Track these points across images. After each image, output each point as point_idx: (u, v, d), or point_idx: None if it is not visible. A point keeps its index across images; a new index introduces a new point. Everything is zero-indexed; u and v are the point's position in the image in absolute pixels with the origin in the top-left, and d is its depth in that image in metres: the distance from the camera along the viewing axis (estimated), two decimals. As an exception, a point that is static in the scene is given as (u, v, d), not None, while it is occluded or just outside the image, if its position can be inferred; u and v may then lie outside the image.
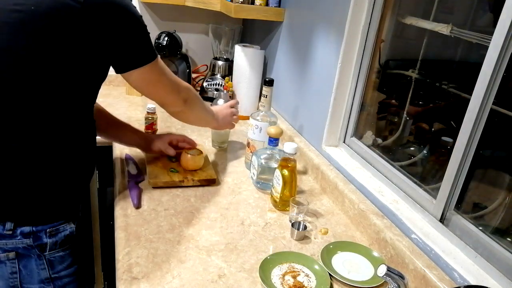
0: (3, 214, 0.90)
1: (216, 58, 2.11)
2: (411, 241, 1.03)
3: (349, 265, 1.03)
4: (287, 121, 1.75)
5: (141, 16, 0.94)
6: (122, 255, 0.98)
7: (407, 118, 1.28)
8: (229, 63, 2.07)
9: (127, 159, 1.39)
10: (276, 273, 0.97)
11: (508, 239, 0.91)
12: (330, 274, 0.98)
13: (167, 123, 1.77)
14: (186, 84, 1.16)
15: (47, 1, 0.81)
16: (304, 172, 1.50)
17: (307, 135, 1.59)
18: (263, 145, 1.43)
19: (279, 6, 1.79)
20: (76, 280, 1.06)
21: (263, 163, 1.31)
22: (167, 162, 1.37)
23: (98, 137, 1.54)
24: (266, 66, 1.99)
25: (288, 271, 0.98)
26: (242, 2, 1.76)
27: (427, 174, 1.18)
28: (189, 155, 1.32)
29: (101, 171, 1.66)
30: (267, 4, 1.78)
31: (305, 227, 1.14)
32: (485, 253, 0.90)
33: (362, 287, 0.96)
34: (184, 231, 1.09)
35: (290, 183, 1.21)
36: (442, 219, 1.02)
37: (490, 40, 0.88)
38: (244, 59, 1.86)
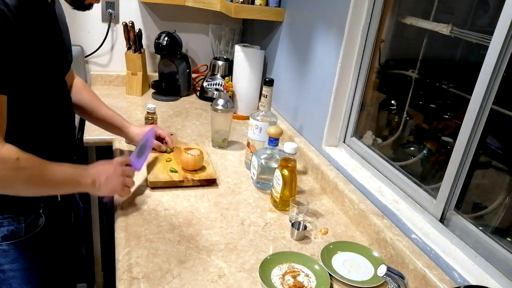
0: None
1: (216, 58, 2.11)
2: (411, 241, 1.03)
3: (349, 265, 1.03)
4: (287, 121, 1.75)
5: None
6: (122, 255, 0.98)
7: (407, 118, 1.28)
8: (229, 63, 2.07)
9: (146, 138, 1.36)
10: (276, 273, 0.97)
11: (508, 239, 0.91)
12: (330, 274, 0.98)
13: (167, 123, 1.77)
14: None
15: None
16: (304, 172, 1.50)
17: (307, 135, 1.59)
18: (263, 145, 1.43)
19: (279, 6, 1.79)
20: (24, 276, 1.05)
21: (263, 163, 1.31)
22: (167, 162, 1.37)
23: (98, 137, 1.56)
24: (266, 66, 1.99)
25: (288, 271, 0.98)
26: (242, 2, 1.76)
27: (427, 174, 1.18)
28: (189, 155, 1.32)
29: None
30: (267, 4, 1.78)
31: (305, 227, 1.14)
32: (485, 253, 0.90)
33: (362, 287, 0.96)
34: (184, 231, 1.09)
35: (290, 183, 1.21)
36: (442, 219, 1.02)
37: (490, 40, 0.88)
38: (244, 59, 1.86)
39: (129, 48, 2.01)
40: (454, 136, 0.97)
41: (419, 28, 1.17)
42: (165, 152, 1.44)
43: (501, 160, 0.98)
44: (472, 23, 1.05)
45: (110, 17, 2.04)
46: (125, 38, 1.97)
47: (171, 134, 1.50)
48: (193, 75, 2.23)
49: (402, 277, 0.86)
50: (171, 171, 1.32)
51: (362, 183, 1.24)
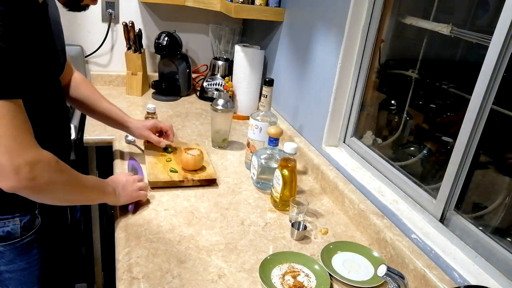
0: None
1: (216, 58, 2.11)
2: (411, 241, 1.03)
3: (349, 265, 1.03)
4: (287, 121, 1.75)
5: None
6: (122, 255, 0.98)
7: (407, 118, 1.28)
8: (229, 63, 2.07)
9: (130, 163, 1.38)
10: (276, 273, 0.97)
11: (508, 239, 0.90)
12: (330, 274, 0.98)
13: (167, 123, 1.77)
14: (41, 155, 0.84)
15: None
16: (304, 172, 1.50)
17: (307, 135, 1.59)
18: (263, 145, 1.43)
19: (279, 6, 1.79)
20: (21, 277, 1.05)
21: (263, 163, 1.31)
22: (167, 162, 1.37)
23: (98, 137, 1.56)
24: (266, 66, 1.99)
25: (288, 271, 0.98)
26: (242, 2, 1.76)
27: (427, 174, 1.18)
28: (189, 155, 1.32)
29: (101, 170, 1.66)
30: (267, 4, 1.78)
31: (305, 227, 1.14)
32: (485, 253, 0.90)
33: (362, 287, 0.96)
34: (184, 231, 1.09)
35: (290, 183, 1.21)
36: (442, 219, 1.02)
37: (490, 40, 0.88)
38: (244, 59, 1.86)
39: (129, 48, 2.01)
40: (458, 134, 0.97)
41: (419, 28, 1.17)
42: (165, 150, 1.43)
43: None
44: (472, 23, 1.05)
45: (110, 17, 2.04)
46: (125, 38, 1.97)
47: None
48: (193, 75, 2.23)
49: (402, 277, 0.86)
50: (171, 171, 1.32)
51: (362, 183, 1.24)
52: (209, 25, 2.19)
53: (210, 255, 1.01)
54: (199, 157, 1.33)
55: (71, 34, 2.02)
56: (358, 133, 1.41)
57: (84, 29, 2.04)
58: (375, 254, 1.07)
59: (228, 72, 2.07)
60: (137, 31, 1.97)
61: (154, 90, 2.07)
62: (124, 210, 1.14)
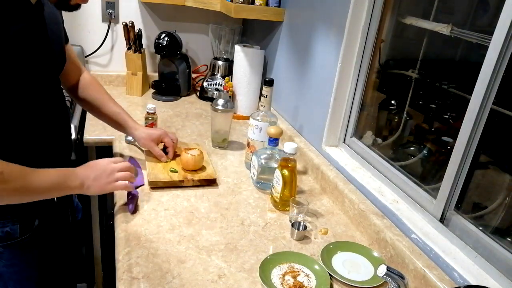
0: None
1: (216, 58, 2.11)
2: (411, 241, 1.03)
3: (349, 265, 1.03)
4: (287, 121, 1.75)
5: None
6: (122, 255, 0.98)
7: (407, 118, 1.28)
8: (229, 63, 2.07)
9: (130, 163, 1.38)
10: (276, 273, 0.97)
11: (508, 239, 0.90)
12: (330, 274, 0.98)
13: (167, 123, 1.77)
14: None
15: None
16: (304, 172, 1.50)
17: (307, 135, 1.59)
18: (263, 145, 1.43)
19: (279, 6, 1.79)
20: (20, 277, 1.05)
21: (263, 163, 1.31)
22: (167, 162, 1.37)
23: (98, 137, 1.56)
24: (266, 66, 1.99)
25: (288, 271, 0.98)
26: (242, 2, 1.76)
27: (427, 174, 1.18)
28: (189, 155, 1.32)
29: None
30: (267, 4, 1.78)
31: (305, 227, 1.14)
32: (485, 253, 0.90)
33: (362, 287, 0.96)
34: (184, 231, 1.09)
35: (290, 183, 1.21)
36: (442, 219, 1.02)
37: (490, 40, 0.88)
38: (244, 59, 1.86)
39: (129, 48, 2.01)
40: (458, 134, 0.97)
41: (419, 28, 1.17)
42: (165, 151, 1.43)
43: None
44: (472, 23, 1.05)
45: (110, 17, 2.04)
46: (125, 38, 1.97)
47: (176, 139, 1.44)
48: (193, 75, 2.23)
49: (402, 277, 0.86)
50: (171, 171, 1.32)
51: (362, 183, 1.24)
52: (209, 25, 2.19)
53: (210, 255, 1.01)
54: (199, 157, 1.33)
55: (71, 34, 2.00)
56: (358, 133, 1.41)
57: (84, 29, 2.04)
58: (375, 254, 1.07)
59: (228, 72, 2.07)
60: (137, 31, 1.97)
61: (154, 90, 2.07)
62: (124, 210, 1.15)
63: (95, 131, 1.59)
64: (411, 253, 0.98)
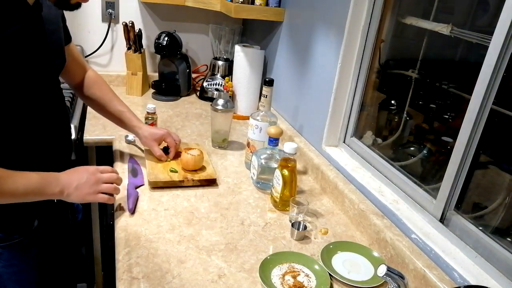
0: None
1: (216, 58, 2.11)
2: (411, 241, 1.03)
3: (349, 265, 1.03)
4: (287, 121, 1.75)
5: None
6: (122, 255, 0.98)
7: (407, 118, 1.28)
8: (229, 63, 2.07)
9: (130, 163, 1.38)
10: (276, 273, 0.97)
11: (508, 239, 0.90)
12: (330, 274, 0.98)
13: (167, 123, 1.77)
14: None
15: None
16: (304, 172, 1.50)
17: (307, 135, 1.59)
18: (263, 145, 1.43)
19: (279, 6, 1.79)
20: (19, 278, 1.05)
21: (263, 163, 1.31)
22: (167, 161, 1.37)
23: (98, 137, 1.55)
24: (266, 66, 1.99)
25: (288, 271, 0.98)
26: (242, 2, 1.76)
27: (427, 174, 1.18)
28: (189, 155, 1.32)
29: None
30: (267, 4, 1.78)
31: (305, 227, 1.14)
32: (485, 253, 0.90)
33: (362, 287, 0.96)
34: (184, 231, 1.09)
35: (290, 183, 1.21)
36: (442, 219, 1.02)
37: (490, 40, 0.88)
38: (244, 59, 1.86)
39: (129, 48, 2.01)
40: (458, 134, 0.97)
41: (419, 28, 1.17)
42: (166, 152, 1.43)
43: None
44: (472, 23, 1.05)
45: (110, 17, 2.04)
46: (125, 38, 1.97)
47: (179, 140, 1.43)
48: (193, 75, 2.23)
49: (402, 277, 0.86)
50: (171, 171, 1.32)
51: (362, 183, 1.24)
52: (209, 25, 2.19)
53: (210, 255, 1.01)
54: (199, 157, 1.33)
55: (71, 34, 2.02)
56: (358, 133, 1.41)
57: (84, 29, 2.03)
58: (375, 254, 1.07)
59: (228, 72, 2.07)
60: (137, 31, 1.97)
61: (154, 90, 2.07)
62: (124, 210, 1.15)
63: (95, 131, 1.60)
64: (411, 253, 0.98)
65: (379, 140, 1.36)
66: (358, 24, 1.30)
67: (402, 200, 1.15)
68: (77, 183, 1.00)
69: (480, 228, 0.94)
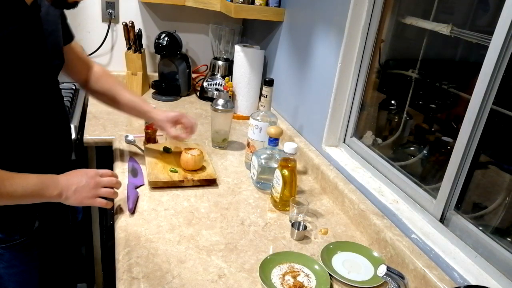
0: None
1: (216, 58, 2.11)
2: (411, 241, 1.03)
3: (349, 265, 1.03)
4: (287, 121, 1.75)
5: None
6: (122, 255, 0.98)
7: (407, 118, 1.28)
8: (229, 63, 2.07)
9: (130, 163, 1.38)
10: (276, 273, 0.97)
11: (508, 239, 0.90)
12: (330, 274, 0.98)
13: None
14: None
15: None
16: (304, 172, 1.50)
17: (307, 135, 1.59)
18: (263, 145, 1.43)
19: (279, 6, 1.79)
20: (20, 279, 1.05)
21: (263, 163, 1.31)
22: (167, 162, 1.37)
23: (98, 137, 1.55)
24: (266, 66, 1.99)
25: (288, 271, 0.98)
26: (242, 2, 1.76)
27: (427, 174, 1.18)
28: (189, 155, 1.32)
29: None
30: (267, 4, 1.78)
31: (305, 227, 1.14)
32: (485, 253, 0.90)
33: (362, 287, 0.96)
34: (184, 231, 1.09)
35: (290, 183, 1.21)
36: (442, 219, 1.02)
37: (490, 40, 0.88)
38: (244, 59, 1.86)
39: (129, 48, 2.01)
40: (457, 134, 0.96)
41: (419, 28, 1.17)
42: (166, 151, 1.43)
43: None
44: (472, 23, 1.05)
45: (110, 17, 2.04)
46: (125, 38, 1.97)
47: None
48: (193, 75, 2.23)
49: (402, 277, 0.86)
50: (171, 171, 1.32)
51: (362, 183, 1.24)
52: (209, 25, 2.19)
53: (210, 255, 1.01)
54: (199, 157, 1.33)
55: (71, 34, 2.02)
56: (358, 133, 1.41)
57: (84, 29, 2.03)
58: (375, 254, 1.07)
59: (228, 72, 2.07)
60: (137, 31, 1.97)
61: (154, 90, 2.07)
62: (124, 210, 1.15)
63: (95, 131, 1.59)
64: (411, 253, 0.98)
65: (379, 140, 1.36)
66: (358, 24, 1.30)
67: (402, 200, 1.15)
68: (75, 186, 0.99)
69: (480, 228, 0.94)
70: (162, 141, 1.57)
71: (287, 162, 1.21)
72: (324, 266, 0.99)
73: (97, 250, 1.83)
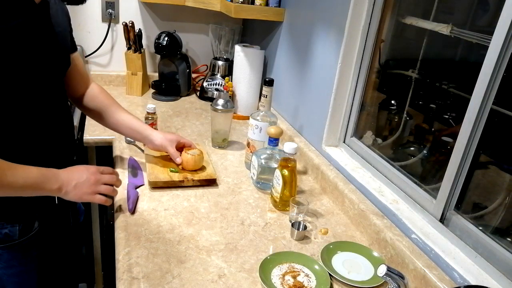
0: None
1: (216, 58, 2.11)
2: (411, 241, 1.03)
3: (349, 265, 1.03)
4: (287, 121, 1.75)
5: None
6: (122, 255, 0.98)
7: (407, 118, 1.28)
8: (229, 63, 2.07)
9: (130, 163, 1.38)
10: (276, 273, 0.97)
11: (508, 239, 0.90)
12: (330, 274, 0.98)
13: (167, 123, 1.77)
14: None
15: None
16: (304, 172, 1.50)
17: (307, 135, 1.59)
18: (263, 145, 1.43)
19: (279, 6, 1.79)
20: (20, 280, 1.05)
21: (263, 163, 1.31)
22: (167, 162, 1.37)
23: (98, 137, 1.56)
24: (266, 66, 1.99)
25: (288, 271, 0.98)
26: (242, 2, 1.76)
27: (427, 174, 1.18)
28: (189, 155, 1.32)
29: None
30: (267, 4, 1.78)
31: (305, 227, 1.14)
32: (485, 253, 0.90)
33: (362, 287, 0.96)
34: (184, 231, 1.09)
35: (290, 183, 1.21)
36: (442, 219, 1.02)
37: (490, 40, 0.88)
38: (244, 59, 1.86)
39: (129, 48, 2.01)
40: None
41: (419, 28, 1.17)
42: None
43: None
44: (472, 23, 1.05)
45: (110, 17, 2.04)
46: (125, 38, 1.97)
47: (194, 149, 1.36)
48: (193, 75, 2.23)
49: (402, 277, 0.86)
50: (171, 171, 1.32)
51: (362, 183, 1.24)
52: (209, 25, 2.19)
53: (210, 255, 1.01)
54: (199, 157, 1.33)
55: (71, 34, 2.02)
56: (358, 133, 1.41)
57: (84, 29, 2.03)
58: (375, 254, 1.07)
59: (228, 72, 2.07)
60: (137, 31, 1.97)
61: (154, 90, 2.07)
62: (124, 210, 1.15)
63: (95, 131, 1.59)
64: (411, 253, 0.98)
65: (379, 140, 1.36)
66: (358, 24, 1.30)
67: (402, 200, 1.15)
68: (76, 181, 0.99)
69: (480, 228, 0.94)
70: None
71: (287, 162, 1.21)
72: (324, 266, 0.99)
73: (97, 250, 1.83)
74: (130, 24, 1.92)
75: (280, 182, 1.21)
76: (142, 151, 1.48)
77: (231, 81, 1.98)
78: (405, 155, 1.27)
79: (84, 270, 1.90)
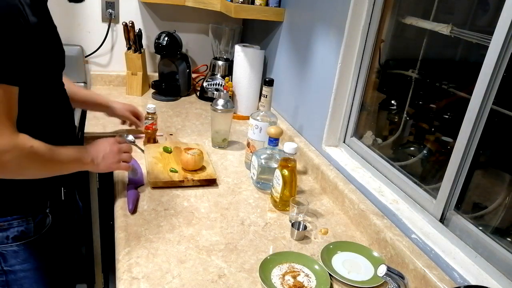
0: None
1: (216, 58, 2.11)
2: (411, 241, 1.03)
3: (349, 265, 1.03)
4: (287, 121, 1.75)
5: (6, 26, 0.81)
6: (122, 255, 0.98)
7: (407, 118, 1.28)
8: (229, 63, 2.07)
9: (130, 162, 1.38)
10: (276, 273, 0.97)
11: (508, 239, 0.91)
12: (330, 274, 0.98)
13: (167, 123, 1.77)
14: (13, 141, 0.85)
15: None
16: (304, 172, 1.50)
17: (307, 135, 1.59)
18: (263, 145, 1.43)
19: (279, 6, 1.79)
20: (35, 276, 1.06)
21: (263, 163, 1.31)
22: (167, 162, 1.37)
23: (98, 135, 1.55)
24: (266, 66, 1.99)
25: (288, 271, 0.98)
26: (242, 2, 1.76)
27: (427, 174, 1.18)
28: (189, 155, 1.32)
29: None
30: (267, 4, 1.78)
31: (305, 227, 1.14)
32: (485, 253, 0.90)
33: (362, 287, 0.96)
34: (184, 231, 1.09)
35: (290, 183, 1.21)
36: (442, 219, 1.02)
37: (490, 40, 0.88)
38: (244, 59, 1.86)
39: (129, 48, 2.01)
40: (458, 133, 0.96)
41: (419, 28, 1.17)
42: (166, 151, 1.43)
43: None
44: (472, 23, 1.05)
45: (110, 17, 2.04)
46: (125, 38, 1.97)
47: (171, 134, 1.53)
48: (193, 75, 2.23)
49: (402, 277, 0.86)
50: (171, 171, 1.32)
51: (362, 183, 1.24)
52: (209, 25, 2.19)
53: (210, 255, 1.01)
54: (199, 157, 1.33)
55: (71, 34, 2.02)
56: (358, 133, 1.41)
57: (84, 29, 2.03)
58: (375, 254, 1.07)
59: (228, 72, 2.07)
60: (137, 31, 1.97)
61: (154, 90, 2.07)
62: (124, 210, 1.15)
63: (95, 131, 1.59)
64: (411, 253, 0.98)
65: (379, 140, 1.37)
66: (358, 24, 1.30)
67: (402, 200, 1.15)
68: (103, 153, 1.09)
69: (480, 228, 0.94)
70: (162, 141, 1.58)
71: (287, 162, 1.21)
72: (324, 266, 0.99)
73: (97, 250, 1.83)
74: (130, 24, 1.92)
75: (280, 182, 1.21)
76: (142, 151, 1.48)
77: (231, 81, 1.98)
78: (405, 155, 1.27)
79: (84, 270, 1.90)
